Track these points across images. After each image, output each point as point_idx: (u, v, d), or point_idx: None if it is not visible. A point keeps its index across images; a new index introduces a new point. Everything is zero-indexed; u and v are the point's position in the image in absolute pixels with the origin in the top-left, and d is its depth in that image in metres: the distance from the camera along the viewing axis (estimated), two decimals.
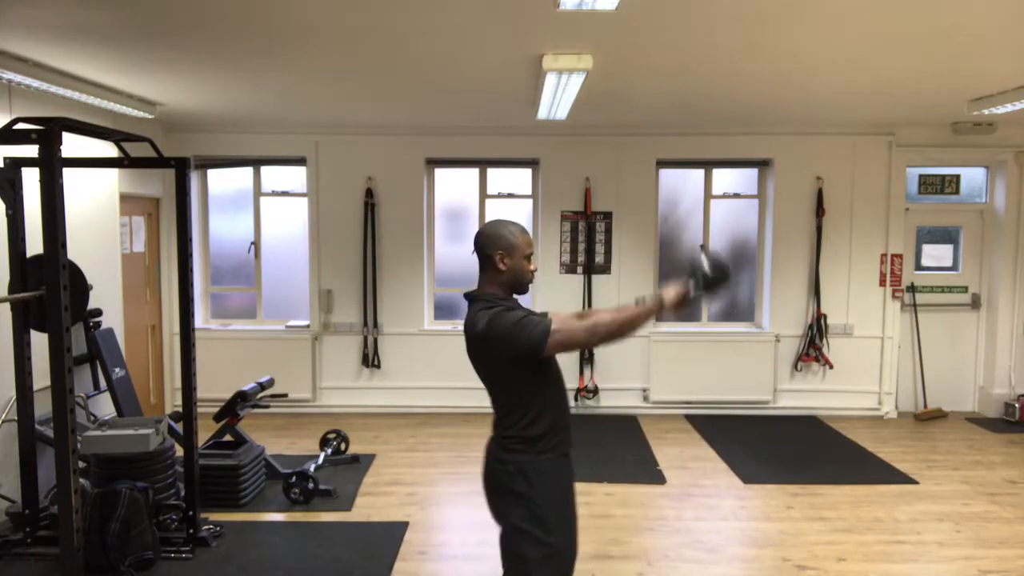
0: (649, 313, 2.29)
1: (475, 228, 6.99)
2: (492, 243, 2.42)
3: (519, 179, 7.10)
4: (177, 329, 6.44)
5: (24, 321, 3.91)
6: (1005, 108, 5.18)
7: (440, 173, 7.11)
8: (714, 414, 6.90)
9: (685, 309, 2.33)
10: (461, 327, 2.50)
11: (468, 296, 2.48)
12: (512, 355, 2.32)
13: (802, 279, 6.95)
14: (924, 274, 7.15)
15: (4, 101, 4.42)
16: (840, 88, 4.98)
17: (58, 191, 2.99)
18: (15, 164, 3.84)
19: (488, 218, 7.00)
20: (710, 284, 2.28)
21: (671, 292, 2.31)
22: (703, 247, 2.17)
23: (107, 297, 5.46)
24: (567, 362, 6.77)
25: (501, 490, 2.43)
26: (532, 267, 2.49)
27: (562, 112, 5.35)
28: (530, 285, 2.52)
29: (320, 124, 6.65)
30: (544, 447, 2.39)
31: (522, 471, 2.36)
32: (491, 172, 7.05)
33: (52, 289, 2.99)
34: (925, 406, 6.97)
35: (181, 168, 4.00)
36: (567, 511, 2.45)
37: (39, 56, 4.13)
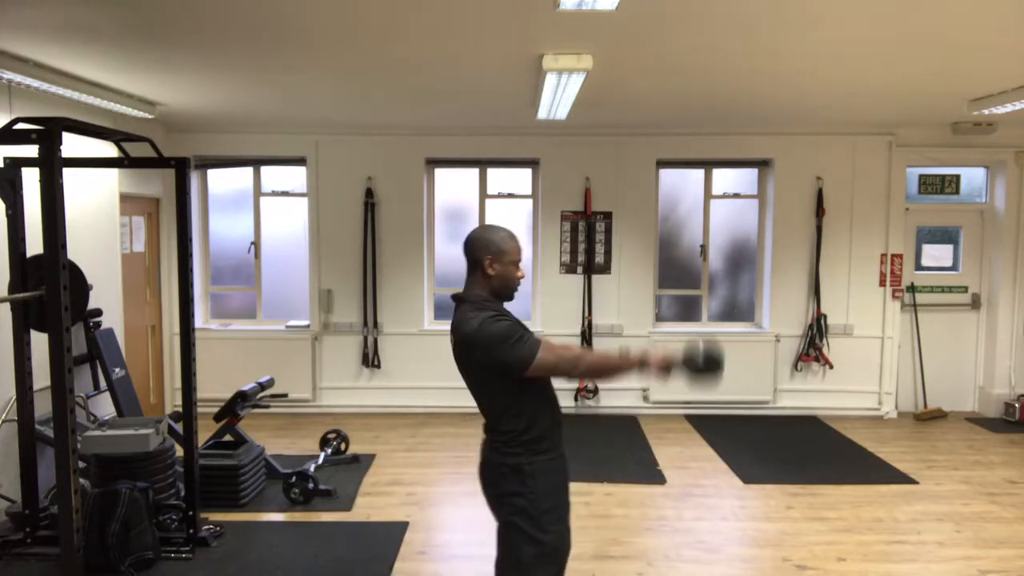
0: (631, 366, 2.31)
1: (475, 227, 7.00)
2: (481, 248, 2.43)
3: (519, 179, 7.09)
4: (177, 329, 6.44)
5: (24, 321, 3.91)
6: (1005, 108, 5.18)
7: (440, 173, 7.11)
8: (714, 414, 6.90)
9: (665, 378, 2.33)
10: (452, 318, 2.49)
11: (455, 297, 2.47)
12: (495, 364, 2.33)
13: (802, 279, 6.95)
14: (924, 274, 7.15)
15: (4, 101, 4.42)
16: (840, 88, 4.98)
17: (58, 191, 2.99)
18: (15, 164, 3.84)
19: (488, 218, 7.01)
20: (699, 371, 2.28)
21: (658, 355, 2.30)
22: (706, 342, 2.21)
23: (107, 297, 5.46)
24: None
25: (497, 489, 2.45)
26: (520, 274, 2.48)
27: (562, 112, 5.35)
28: (516, 292, 2.50)
29: (320, 124, 6.65)
30: (540, 448, 2.40)
31: (518, 471, 2.38)
32: (491, 172, 7.05)
33: (52, 289, 3.00)
34: (925, 406, 6.97)
35: (181, 168, 4.00)
36: (562, 509, 2.46)
37: (39, 56, 4.13)
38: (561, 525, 2.45)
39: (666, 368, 2.30)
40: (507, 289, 2.46)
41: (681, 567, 3.90)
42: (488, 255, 2.41)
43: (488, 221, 7.00)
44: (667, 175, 7.09)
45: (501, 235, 2.45)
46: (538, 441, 2.40)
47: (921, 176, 7.04)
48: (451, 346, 2.47)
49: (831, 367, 6.91)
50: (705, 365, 2.26)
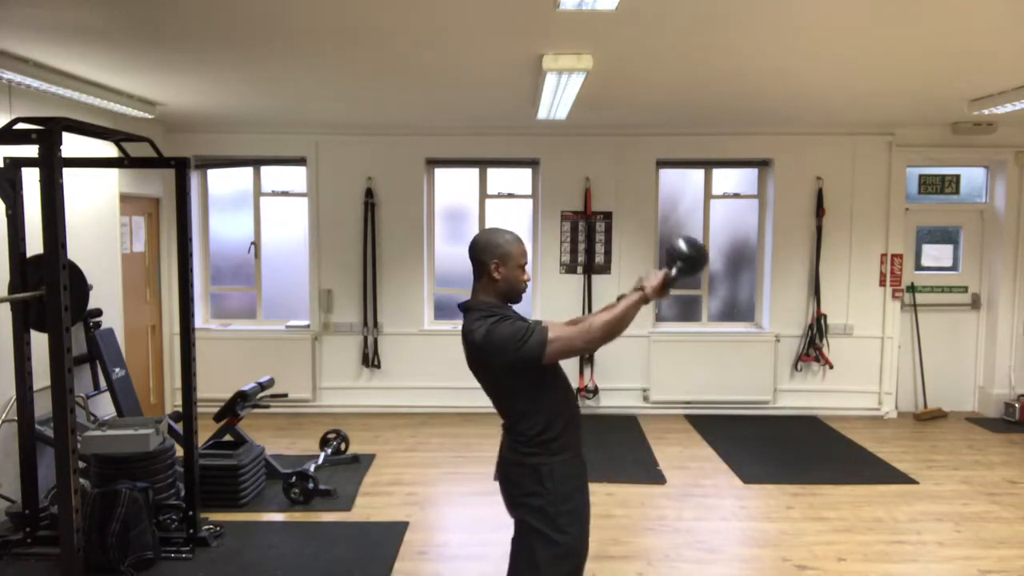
0: (636, 305, 2.33)
1: (475, 228, 7.00)
2: (487, 251, 2.42)
3: (519, 179, 7.09)
4: (177, 329, 6.43)
5: (24, 321, 3.91)
6: (1005, 108, 5.18)
7: (440, 173, 7.11)
8: (714, 414, 6.90)
9: (666, 294, 2.40)
10: (461, 327, 2.50)
11: (462, 306, 2.48)
12: (511, 365, 2.33)
13: (802, 279, 6.95)
14: (924, 274, 7.15)
15: (4, 101, 4.42)
16: (840, 88, 4.97)
17: (58, 191, 2.99)
18: (15, 164, 3.84)
19: (488, 218, 7.01)
20: (688, 265, 2.36)
21: (651, 279, 2.36)
22: (682, 238, 2.37)
23: (107, 297, 5.46)
24: (567, 363, 6.75)
25: (515, 489, 2.45)
26: (526, 277, 2.48)
27: (562, 112, 5.35)
28: (523, 294, 2.51)
29: (320, 124, 6.65)
30: (558, 448, 2.41)
31: (536, 472, 2.38)
32: (491, 172, 7.04)
33: (52, 289, 2.99)
34: (925, 406, 6.97)
35: (181, 168, 4.00)
36: (580, 510, 2.47)
37: (39, 56, 4.13)
38: (578, 527, 2.45)
39: (663, 286, 2.35)
40: (514, 292, 2.46)
41: (681, 567, 3.90)
42: (494, 259, 2.40)
43: (488, 221, 7.01)
44: (667, 175, 7.09)
45: (506, 238, 2.43)
46: (554, 440, 2.40)
47: (921, 176, 7.04)
48: (464, 355, 2.48)
49: (831, 367, 6.91)
50: (690, 253, 2.33)
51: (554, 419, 2.40)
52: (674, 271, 2.38)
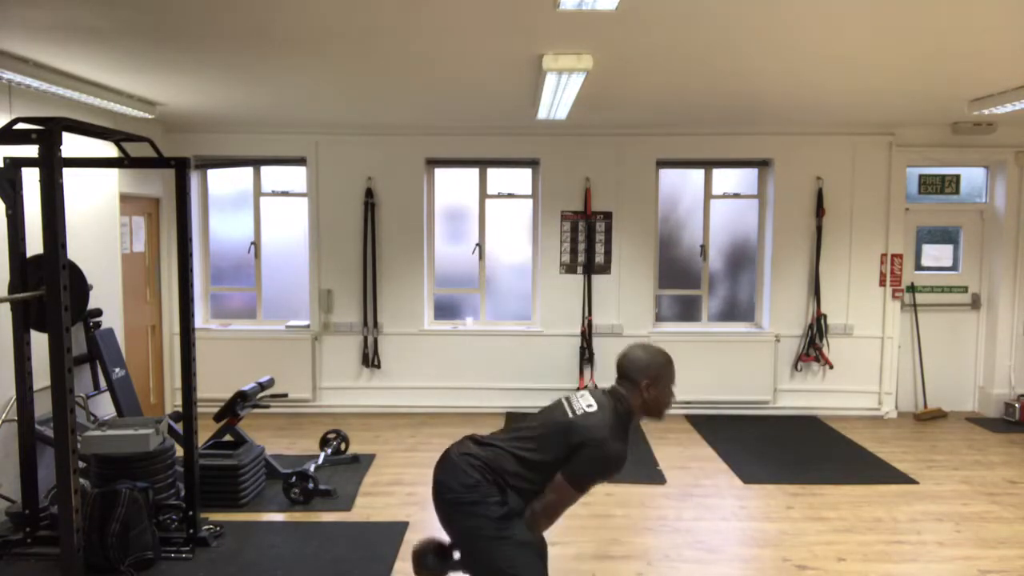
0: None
1: (475, 227, 7.02)
2: (643, 372, 2.53)
3: (519, 179, 7.09)
4: (177, 329, 6.44)
5: (24, 321, 3.91)
6: (1005, 108, 5.18)
7: (440, 173, 7.11)
8: (714, 414, 6.90)
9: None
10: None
11: (613, 391, 2.57)
12: (573, 460, 2.46)
13: (802, 279, 6.95)
14: (924, 274, 7.15)
15: (4, 101, 4.42)
16: (840, 88, 4.98)
17: (58, 191, 2.99)
18: (15, 164, 3.84)
19: (488, 218, 7.00)
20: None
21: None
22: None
23: (107, 297, 5.46)
24: (568, 363, 6.79)
25: (467, 491, 2.51)
26: (675, 398, 2.60)
27: (562, 112, 5.35)
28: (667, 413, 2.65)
29: (320, 124, 6.65)
30: (520, 509, 2.54)
31: (497, 492, 2.51)
32: (491, 172, 7.04)
33: (52, 289, 2.99)
34: (925, 406, 6.97)
35: (181, 168, 4.00)
36: (519, 522, 2.57)
37: (39, 56, 4.13)
38: (520, 525, 2.52)
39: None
40: (658, 411, 2.58)
41: (681, 567, 3.90)
42: (646, 379, 2.52)
43: (488, 221, 7.01)
44: (667, 175, 7.09)
45: (661, 360, 2.55)
46: (521, 510, 2.53)
47: (921, 176, 7.04)
48: (567, 418, 2.54)
49: (831, 367, 6.91)
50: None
51: (532, 494, 2.55)
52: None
